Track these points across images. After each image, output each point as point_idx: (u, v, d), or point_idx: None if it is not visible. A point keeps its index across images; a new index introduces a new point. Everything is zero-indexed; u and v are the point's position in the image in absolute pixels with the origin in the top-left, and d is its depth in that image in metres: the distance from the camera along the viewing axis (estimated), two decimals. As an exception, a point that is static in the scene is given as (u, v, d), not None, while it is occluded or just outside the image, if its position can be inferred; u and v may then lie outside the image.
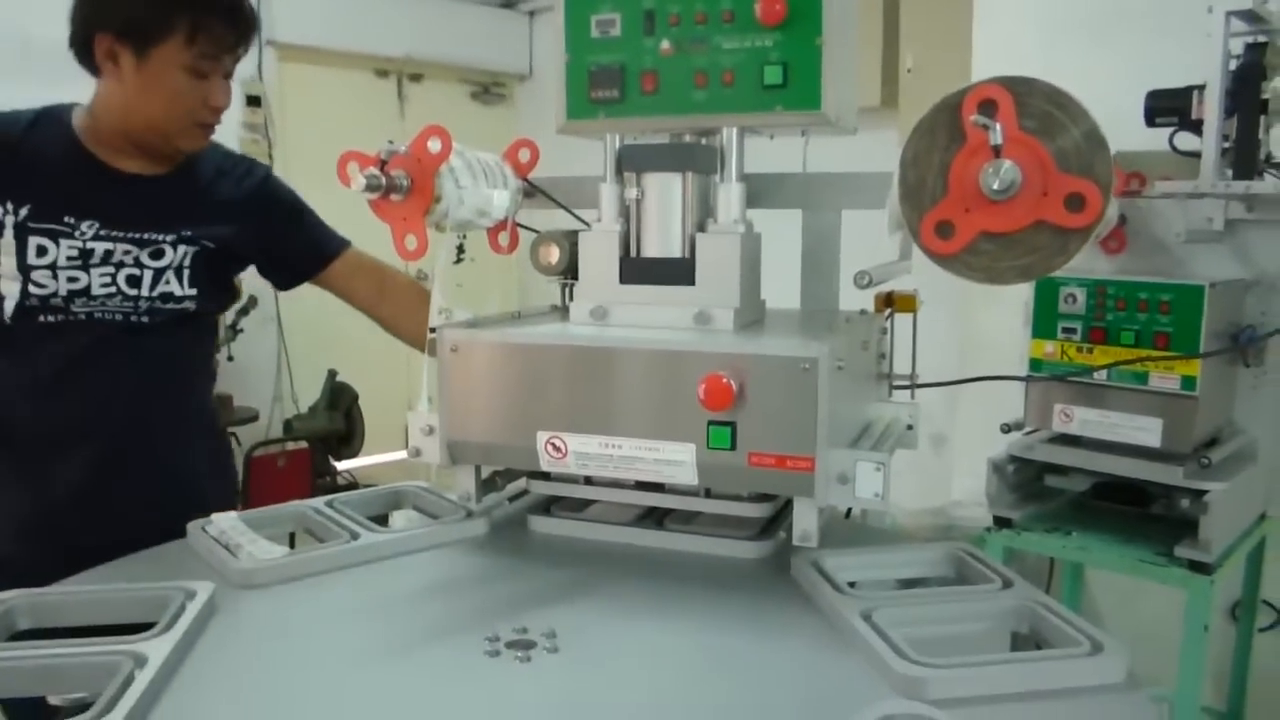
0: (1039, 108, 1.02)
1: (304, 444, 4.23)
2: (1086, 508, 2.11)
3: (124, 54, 1.43)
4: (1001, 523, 2.08)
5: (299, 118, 4.74)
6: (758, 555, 1.22)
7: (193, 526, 1.26)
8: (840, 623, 1.00)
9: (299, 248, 1.68)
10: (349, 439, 4.44)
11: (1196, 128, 1.91)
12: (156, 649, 0.90)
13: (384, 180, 1.24)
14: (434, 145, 1.28)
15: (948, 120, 1.06)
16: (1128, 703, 0.89)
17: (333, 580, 1.14)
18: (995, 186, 1.00)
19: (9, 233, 1.42)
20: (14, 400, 1.47)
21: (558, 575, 1.16)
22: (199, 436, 1.63)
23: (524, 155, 1.45)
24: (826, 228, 1.44)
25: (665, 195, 1.27)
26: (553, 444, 1.19)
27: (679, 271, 1.26)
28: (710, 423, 1.11)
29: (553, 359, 1.18)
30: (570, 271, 1.38)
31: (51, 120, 1.50)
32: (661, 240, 1.28)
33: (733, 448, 1.11)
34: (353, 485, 4.28)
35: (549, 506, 1.35)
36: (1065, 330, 1.94)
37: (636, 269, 1.28)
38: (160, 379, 1.53)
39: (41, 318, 1.44)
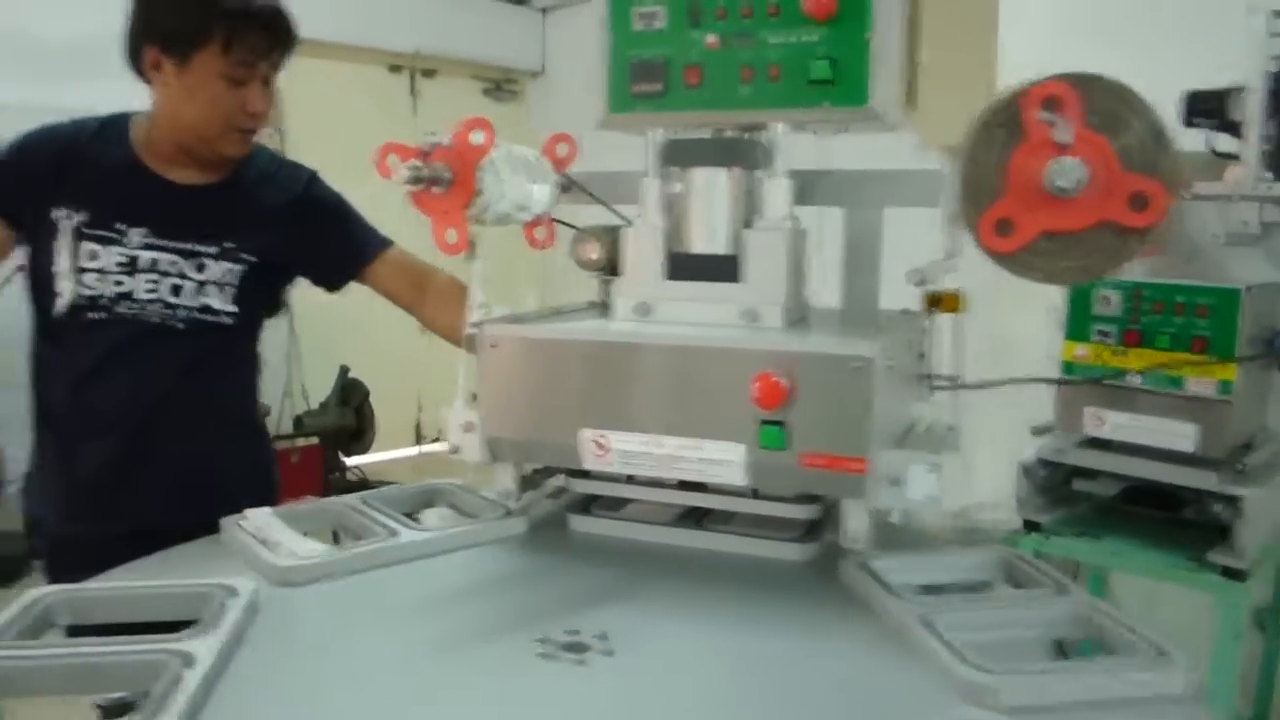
0: (1103, 104, 1.00)
1: (315, 440, 4.21)
2: (1114, 512, 2.09)
3: (167, 63, 1.49)
4: (1030, 526, 2.06)
5: (311, 113, 4.71)
6: (802, 557, 1.20)
7: (227, 522, 1.24)
8: (899, 628, 0.98)
9: (340, 250, 1.68)
10: (360, 435, 4.42)
11: (1234, 129, 1.89)
12: (204, 647, 0.88)
13: (427, 172, 1.22)
14: (477, 138, 1.26)
15: (1007, 116, 1.04)
16: (1195, 714, 0.87)
17: (374, 578, 1.12)
18: (1062, 184, 0.98)
19: (68, 236, 1.50)
20: (57, 388, 1.56)
21: (602, 575, 1.14)
22: (232, 437, 1.65)
23: (562, 150, 1.43)
24: (868, 225, 1.42)
25: (712, 190, 1.25)
26: (597, 442, 1.17)
27: (725, 268, 1.24)
28: (762, 422, 1.09)
29: (597, 355, 1.16)
30: (610, 267, 1.36)
31: (112, 129, 1.57)
32: (707, 236, 1.26)
33: (784, 448, 1.09)
34: (364, 482, 4.26)
35: (588, 505, 1.33)
36: (1100, 333, 1.92)
37: (681, 265, 1.25)
38: (186, 379, 1.56)
39: (88, 315, 1.52)
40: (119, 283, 1.51)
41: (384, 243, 1.70)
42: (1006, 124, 1.04)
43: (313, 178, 1.70)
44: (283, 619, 1.01)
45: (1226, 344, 1.78)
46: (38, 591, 1.01)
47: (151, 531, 1.36)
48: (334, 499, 1.34)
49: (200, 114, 1.49)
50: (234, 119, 1.51)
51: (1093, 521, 2.08)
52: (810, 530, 1.24)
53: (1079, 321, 1.95)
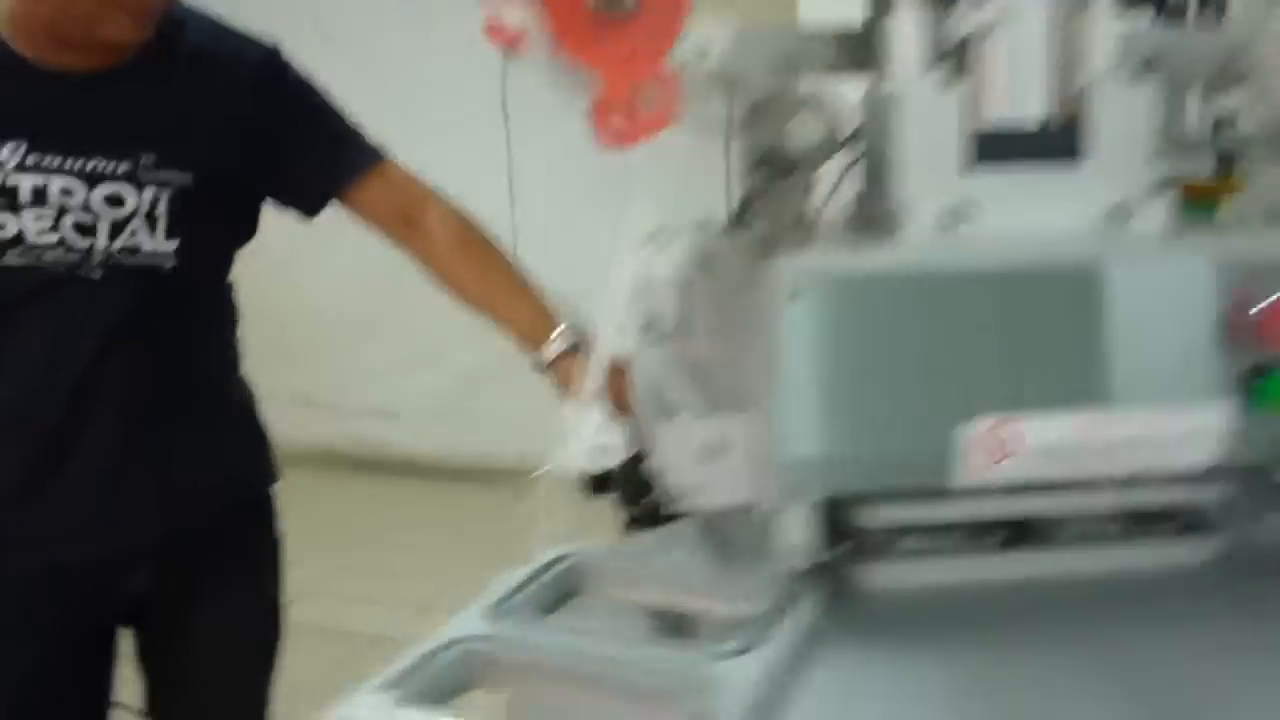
0: None
1: None
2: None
3: None
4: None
5: None
6: (1199, 558, 0.84)
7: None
8: None
9: (313, 160, 1.19)
10: None
11: None
12: None
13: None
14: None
15: None
16: None
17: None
18: None
19: None
20: None
21: (1057, 656, 0.68)
22: (195, 424, 1.18)
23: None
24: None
25: (1023, 30, 0.81)
26: (995, 437, 0.70)
27: (1059, 144, 0.81)
28: (1266, 369, 0.71)
29: (1011, 294, 0.69)
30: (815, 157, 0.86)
31: None
32: (1016, 99, 0.81)
33: (1297, 402, 0.72)
34: None
35: (861, 546, 0.83)
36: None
37: (997, 144, 0.80)
38: (119, 347, 1.11)
39: None
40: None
41: (375, 154, 1.20)
42: None
43: (272, 56, 1.18)
44: None
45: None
46: None
47: (77, 563, 1.14)
48: (450, 634, 0.68)
49: None
50: None
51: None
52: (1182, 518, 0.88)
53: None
